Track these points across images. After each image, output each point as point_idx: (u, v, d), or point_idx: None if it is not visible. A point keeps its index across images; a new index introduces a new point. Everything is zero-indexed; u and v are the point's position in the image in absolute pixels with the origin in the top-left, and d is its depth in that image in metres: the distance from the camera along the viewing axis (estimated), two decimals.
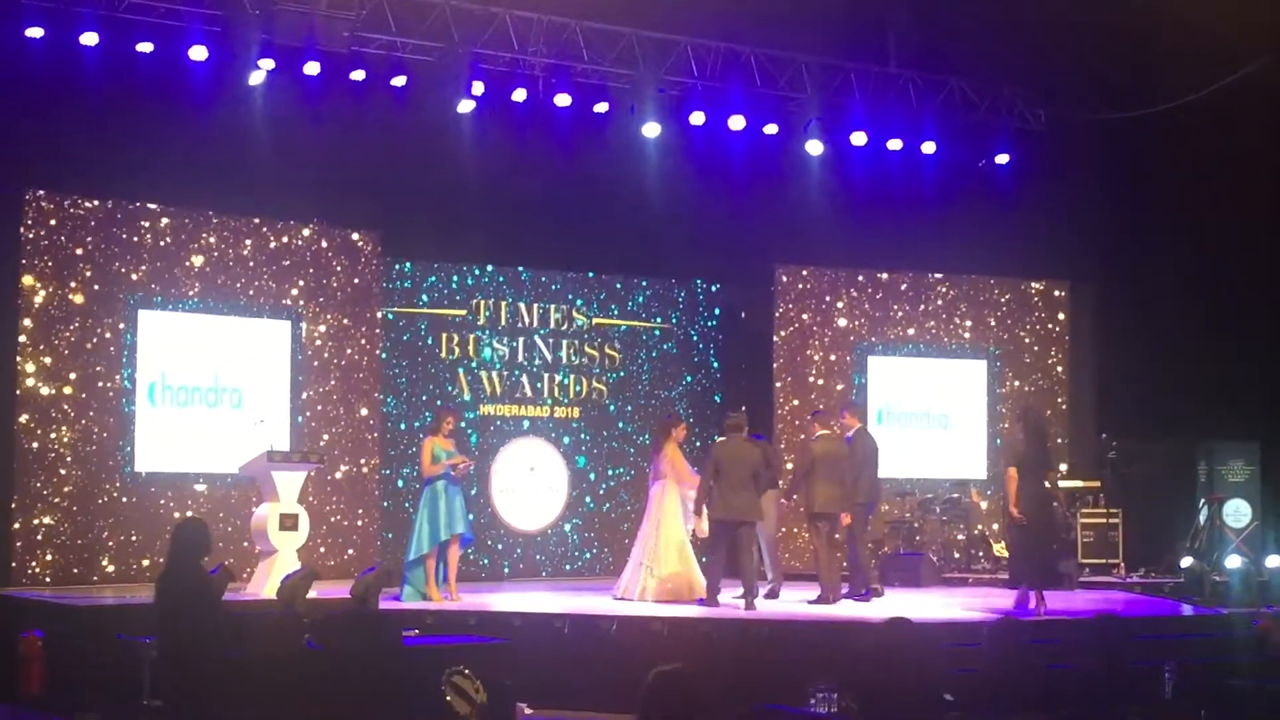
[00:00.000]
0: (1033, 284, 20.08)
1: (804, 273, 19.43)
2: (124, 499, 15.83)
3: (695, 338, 19.32)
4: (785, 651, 12.43)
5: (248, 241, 16.73)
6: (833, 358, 19.41)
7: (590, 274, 18.71)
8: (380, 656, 10.46)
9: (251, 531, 15.11)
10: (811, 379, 19.32)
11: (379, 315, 17.41)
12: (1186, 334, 18.28)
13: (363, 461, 17.18)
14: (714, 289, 19.47)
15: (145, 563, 15.75)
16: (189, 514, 15.14)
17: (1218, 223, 17.79)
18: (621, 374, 18.81)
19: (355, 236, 17.32)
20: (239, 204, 16.53)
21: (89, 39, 14.67)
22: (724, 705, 5.87)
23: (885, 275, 19.68)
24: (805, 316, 19.40)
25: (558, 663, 12.57)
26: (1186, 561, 16.74)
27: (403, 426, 17.51)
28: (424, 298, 17.83)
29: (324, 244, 17.16)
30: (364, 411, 17.22)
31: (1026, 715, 7.82)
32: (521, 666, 11.67)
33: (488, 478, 17.80)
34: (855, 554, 15.37)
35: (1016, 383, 19.90)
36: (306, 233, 17.05)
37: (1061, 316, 20.10)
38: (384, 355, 17.44)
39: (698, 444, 17.92)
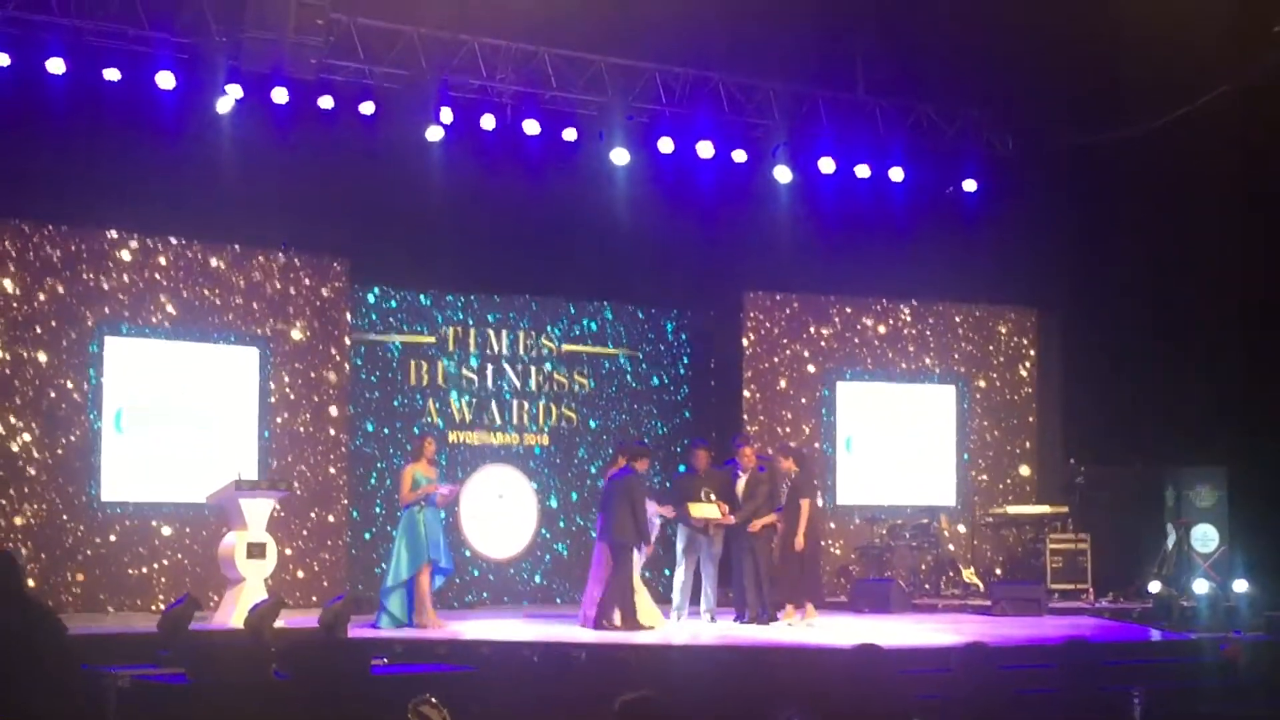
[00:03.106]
0: (1000, 310, 20.13)
1: (773, 299, 19.44)
2: (90, 525, 15.71)
3: (665, 363, 19.31)
4: (754, 678, 12.41)
5: (216, 270, 16.67)
6: (802, 384, 19.41)
7: (559, 299, 18.68)
8: (348, 685, 10.39)
9: (219, 560, 15.03)
10: (780, 403, 19.31)
11: (347, 342, 17.36)
12: (1154, 360, 18.36)
13: (333, 473, 17.06)
14: (683, 315, 19.47)
15: (108, 594, 15.67)
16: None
17: (1185, 249, 17.87)
18: (591, 401, 18.78)
19: (324, 263, 17.28)
20: (207, 231, 16.48)
21: (55, 66, 14.65)
22: None
23: (853, 302, 19.71)
24: (773, 340, 19.40)
25: (527, 691, 12.51)
26: (1155, 587, 16.77)
27: (372, 449, 17.44)
28: (393, 323, 17.80)
29: (292, 271, 17.11)
30: (332, 432, 17.13)
31: None
32: (491, 695, 11.61)
33: (457, 505, 17.75)
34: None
35: (985, 412, 19.92)
36: (276, 257, 17.00)
37: (1028, 344, 20.16)
38: (350, 377, 17.36)
39: (657, 475, 17.90)
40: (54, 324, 15.69)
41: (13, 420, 15.41)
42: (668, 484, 17.46)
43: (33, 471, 15.45)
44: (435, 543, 14.56)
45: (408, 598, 14.48)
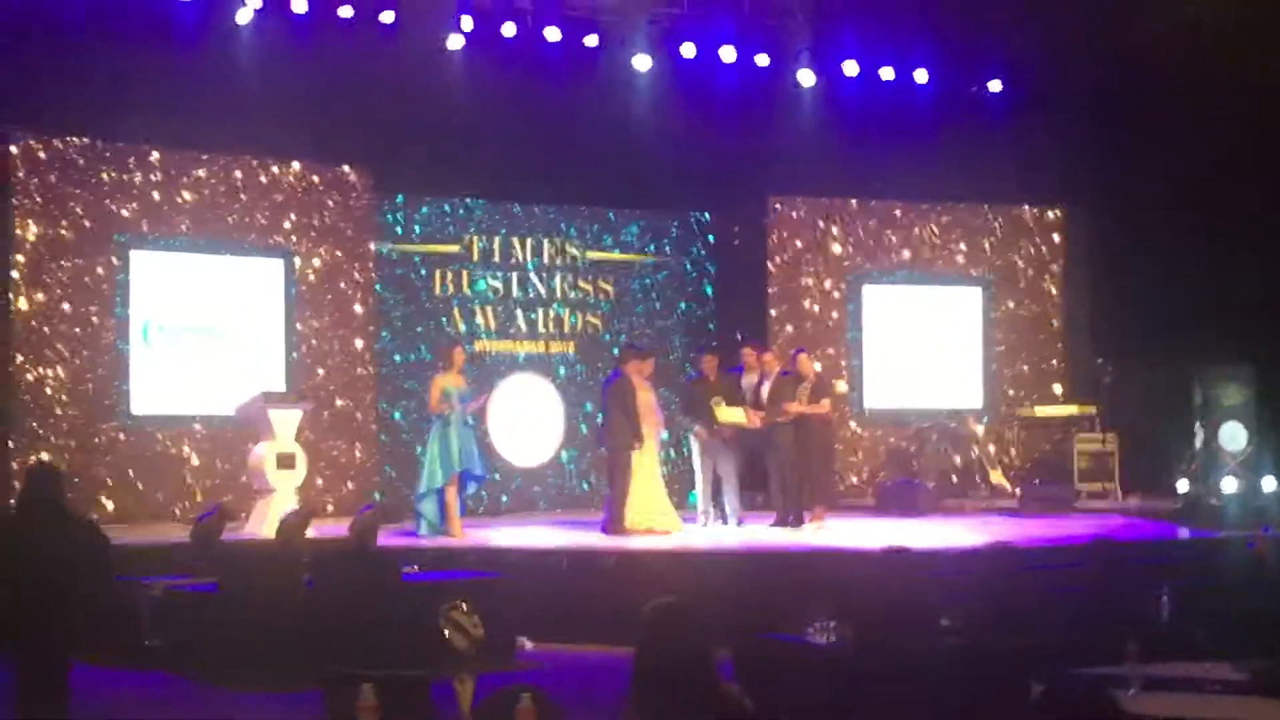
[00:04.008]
0: (1026, 208, 19.99)
1: (797, 202, 19.33)
2: (121, 438, 15.82)
3: (689, 269, 19.24)
4: (781, 582, 12.44)
5: (239, 179, 16.64)
6: (827, 286, 19.33)
7: (583, 208, 18.62)
8: (379, 593, 10.47)
9: (249, 471, 15.10)
10: (806, 307, 19.24)
11: (372, 251, 17.34)
12: (1182, 257, 18.20)
13: (359, 398, 17.15)
14: (707, 219, 19.38)
15: (143, 502, 15.79)
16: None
17: (1213, 144, 17.66)
18: (616, 307, 18.75)
19: (347, 171, 17.23)
20: (229, 142, 16.43)
21: None
22: (720, 636, 5.86)
23: (878, 203, 19.59)
24: (799, 245, 19.31)
25: (557, 597, 12.59)
26: (1183, 485, 16.75)
27: (397, 359, 17.50)
28: (417, 231, 17.77)
29: (315, 180, 17.08)
30: (359, 345, 17.17)
31: (1023, 639, 7.83)
32: (520, 601, 11.69)
33: (484, 413, 17.77)
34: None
35: (1012, 311, 19.84)
36: (298, 168, 16.97)
37: (1056, 240, 20.03)
38: (379, 287, 17.38)
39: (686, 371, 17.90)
40: (78, 238, 15.70)
41: (45, 332, 15.45)
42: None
43: (64, 384, 15.50)
44: (469, 453, 14.62)
45: (439, 504, 14.56)
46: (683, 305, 19.16)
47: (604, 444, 15.42)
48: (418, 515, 14.66)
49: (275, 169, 16.84)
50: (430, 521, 14.55)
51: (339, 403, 17.01)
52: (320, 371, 16.89)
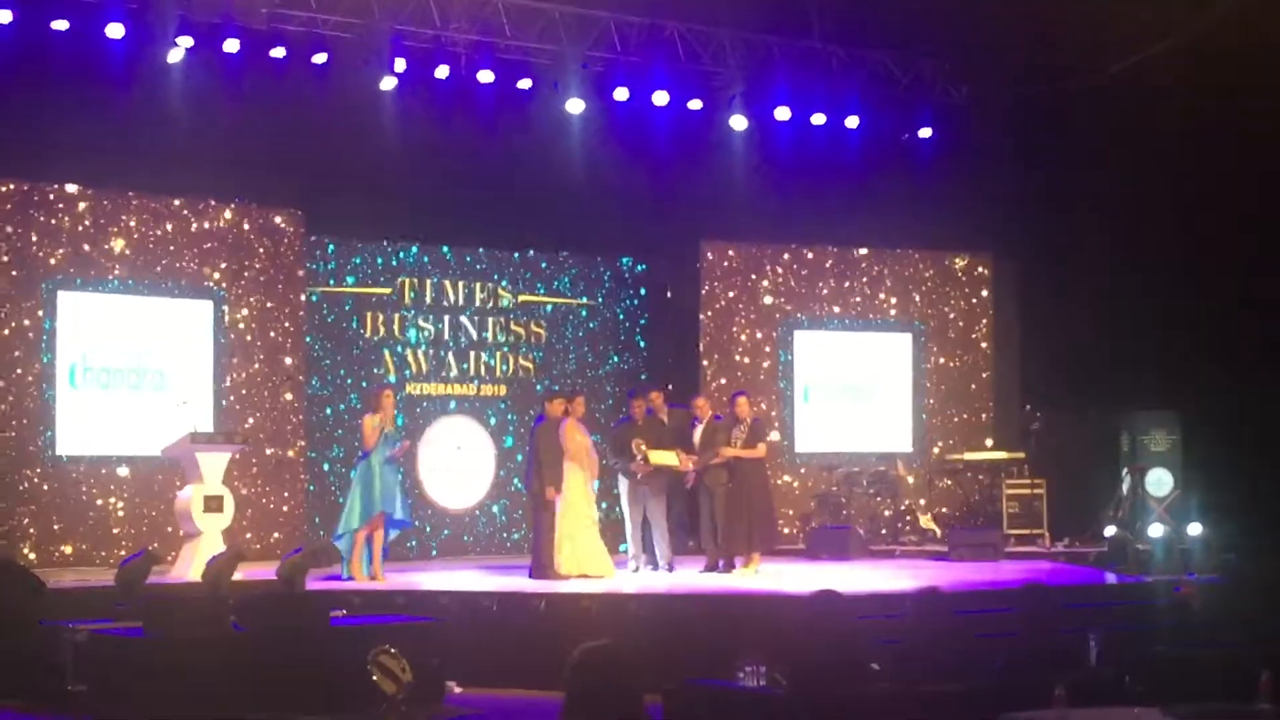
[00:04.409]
0: (956, 258, 20.14)
1: (730, 249, 19.40)
2: (45, 484, 15.63)
3: (621, 315, 19.26)
4: (712, 626, 12.42)
5: (169, 223, 16.54)
6: (759, 334, 19.40)
7: (515, 253, 18.61)
8: (307, 637, 10.38)
9: (176, 514, 14.96)
10: (738, 356, 19.29)
11: (303, 296, 17.25)
12: (1108, 306, 18.38)
13: (288, 444, 17.03)
14: (639, 266, 19.41)
15: (67, 549, 15.62)
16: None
17: (1139, 196, 17.87)
18: (548, 352, 18.72)
19: (278, 218, 17.15)
20: (159, 184, 16.32)
21: (2, 16, 14.44)
22: (650, 679, 5.83)
23: (811, 250, 19.68)
24: (731, 293, 19.37)
25: (487, 641, 12.52)
26: (1110, 530, 16.86)
27: (328, 411, 17.42)
28: (349, 278, 17.69)
29: (246, 224, 16.99)
30: (289, 396, 17.07)
31: (953, 683, 7.84)
32: (450, 645, 11.61)
33: (415, 457, 17.69)
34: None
35: (941, 359, 19.97)
36: (229, 214, 16.88)
37: (985, 291, 20.17)
38: (309, 338, 17.29)
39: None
40: (5, 279, 15.54)
41: None
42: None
43: None
44: (390, 496, 14.49)
45: (350, 548, 14.37)
46: (614, 357, 19.14)
47: (527, 487, 15.41)
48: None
49: (207, 213, 16.73)
50: (349, 563, 14.35)
51: (268, 450, 16.86)
52: (250, 421, 16.75)
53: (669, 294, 19.49)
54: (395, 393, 15.80)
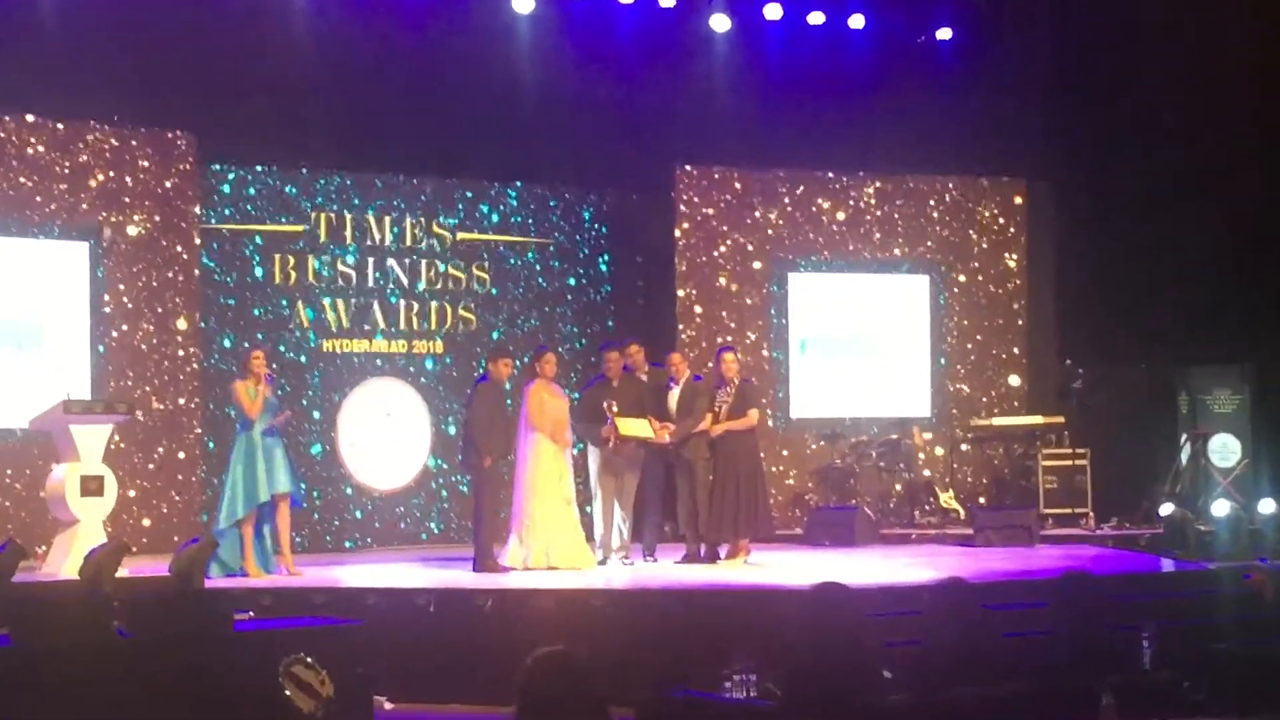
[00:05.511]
0: (981, 183, 20.15)
1: (710, 176, 19.38)
2: None
3: (582, 253, 19.24)
4: (694, 627, 12.45)
5: (36, 149, 16.42)
6: (746, 278, 19.38)
7: (454, 179, 18.56)
8: (206, 645, 10.36)
9: (47, 498, 14.90)
10: (720, 300, 19.28)
11: (196, 236, 17.16)
12: (1163, 240, 18.41)
13: (181, 403, 16.95)
14: (603, 198, 19.39)
15: None
16: None
17: (1198, 110, 17.88)
18: (493, 301, 18.69)
19: (166, 140, 17.06)
20: (25, 106, 16.22)
21: None
22: (619, 692, 5.83)
23: (806, 177, 19.67)
24: (712, 229, 19.34)
25: (421, 648, 12.54)
26: (1166, 509, 16.95)
27: (226, 369, 17.35)
28: (251, 211, 17.61)
29: (128, 151, 16.87)
30: (181, 352, 17.00)
31: (979, 692, 7.87)
32: (379, 653, 11.60)
33: (334, 427, 17.66)
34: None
35: (964, 306, 19.99)
36: (107, 138, 16.77)
37: (1016, 223, 20.21)
38: (201, 279, 17.19)
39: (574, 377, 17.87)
40: None
41: None
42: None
43: None
44: (274, 477, 14.33)
45: (239, 540, 14.27)
46: (570, 307, 19.11)
47: (462, 461, 15.36)
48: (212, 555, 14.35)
49: (81, 137, 16.62)
50: (224, 562, 14.16)
51: (156, 406, 16.78)
52: (132, 379, 16.67)
53: (639, 232, 19.44)
54: (270, 353, 15.60)
